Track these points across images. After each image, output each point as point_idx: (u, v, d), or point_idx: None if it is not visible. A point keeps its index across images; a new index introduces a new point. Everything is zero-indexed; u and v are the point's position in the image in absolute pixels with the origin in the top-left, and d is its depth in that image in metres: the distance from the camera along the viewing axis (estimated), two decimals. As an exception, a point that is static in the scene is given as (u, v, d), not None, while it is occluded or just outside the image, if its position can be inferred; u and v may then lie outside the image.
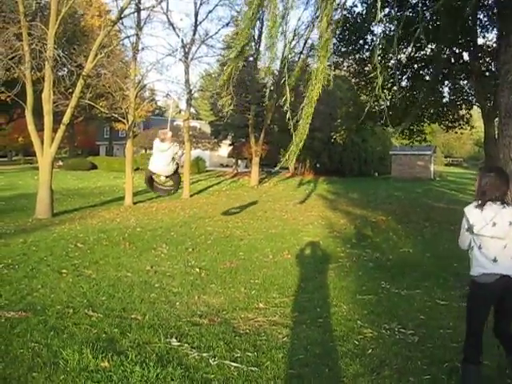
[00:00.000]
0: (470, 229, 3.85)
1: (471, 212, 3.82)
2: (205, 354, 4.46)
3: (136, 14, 20.21)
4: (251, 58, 36.53)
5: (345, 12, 16.49)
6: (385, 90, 19.06)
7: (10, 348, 4.52)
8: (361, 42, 17.36)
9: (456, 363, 4.36)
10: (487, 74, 16.90)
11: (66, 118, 16.34)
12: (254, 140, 31.90)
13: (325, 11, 9.34)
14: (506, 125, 6.62)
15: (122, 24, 21.76)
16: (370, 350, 4.70)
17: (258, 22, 32.55)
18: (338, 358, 4.53)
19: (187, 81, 24.33)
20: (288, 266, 8.64)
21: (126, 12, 18.01)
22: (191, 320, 5.54)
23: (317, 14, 15.93)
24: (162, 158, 8.84)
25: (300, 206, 19.59)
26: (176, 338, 4.86)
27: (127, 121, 20.61)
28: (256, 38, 33.37)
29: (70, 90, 17.20)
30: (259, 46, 33.21)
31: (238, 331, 5.17)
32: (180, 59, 23.92)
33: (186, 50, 23.98)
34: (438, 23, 15.39)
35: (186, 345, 4.70)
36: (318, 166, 40.01)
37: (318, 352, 4.64)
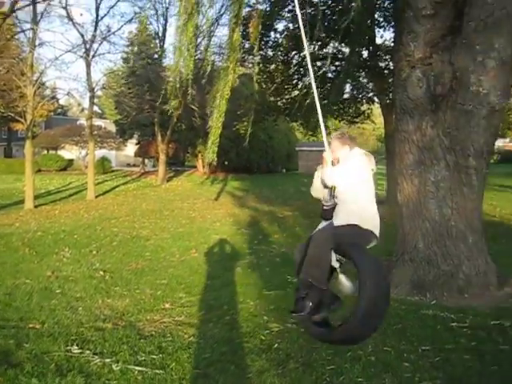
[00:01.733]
0: None
1: None
2: (107, 360, 4.30)
3: (31, 7, 19.26)
4: (156, 56, 36.06)
5: (249, 9, 16.63)
6: (288, 86, 19.44)
7: None
8: (264, 39, 17.49)
9: (359, 352, 4.49)
10: (385, 71, 17.59)
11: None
12: (161, 138, 31.48)
13: (233, 11, 9.37)
14: (401, 120, 6.90)
15: (17, 18, 20.65)
16: (276, 345, 4.73)
17: (162, 18, 32.14)
18: (245, 354, 4.53)
19: (89, 78, 23.55)
20: (195, 264, 8.57)
21: (20, 4, 17.14)
22: (94, 325, 5.33)
23: (221, 12, 15.98)
24: None
25: (208, 203, 19.53)
26: (77, 345, 4.65)
27: (25, 120, 19.63)
28: (160, 35, 32.96)
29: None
30: (163, 43, 32.82)
31: (142, 334, 5.04)
32: (81, 56, 23.11)
33: (87, 46, 23.18)
34: (338, 22, 15.82)
35: (87, 351, 4.51)
36: (226, 163, 40.09)
37: (224, 350, 4.61)
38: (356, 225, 3.45)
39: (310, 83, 17.00)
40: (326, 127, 20.86)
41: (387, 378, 4.00)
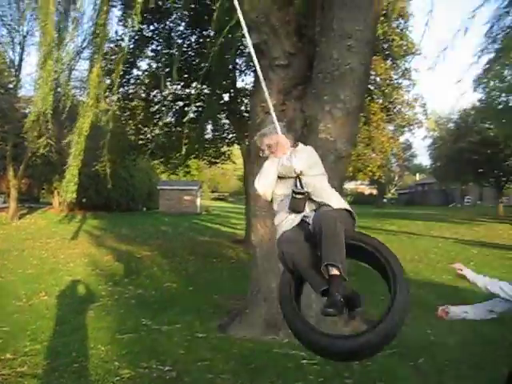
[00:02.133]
0: None
1: None
2: None
3: None
4: (10, 85, 34.18)
5: (112, 45, 16.46)
6: (150, 125, 19.39)
7: None
8: (127, 76, 17.35)
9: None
10: (245, 114, 18.19)
11: None
12: (13, 173, 29.61)
13: (95, 45, 9.20)
14: (254, 163, 7.12)
15: None
16: (125, 392, 4.56)
17: (18, 47, 30.72)
18: (92, 404, 4.31)
19: None
20: (44, 308, 8.06)
21: None
22: None
23: (82, 46, 15.62)
24: None
25: (63, 243, 18.56)
26: None
27: None
28: (16, 64, 31.37)
29: None
30: (19, 72, 31.24)
31: (-22, 388, 4.61)
32: None
33: None
34: (200, 64, 16.17)
35: None
36: (84, 201, 38.62)
37: (69, 401, 4.35)
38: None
39: (170, 122, 17.09)
40: (188, 167, 21.11)
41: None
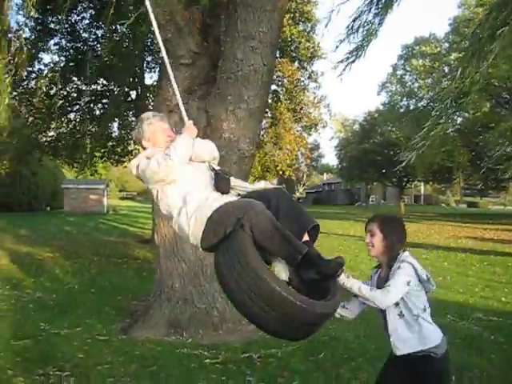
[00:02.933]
0: (424, 282, 2.96)
1: (417, 264, 2.97)
2: None
3: None
4: None
5: (10, 35, 15.66)
6: (53, 122, 18.65)
7: None
8: (27, 69, 16.59)
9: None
10: (153, 111, 17.95)
11: None
12: None
13: None
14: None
15: None
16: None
17: None
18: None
19: None
20: None
21: None
22: None
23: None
24: None
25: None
26: None
27: None
28: None
29: None
30: None
31: None
32: None
33: None
34: (106, 60, 15.79)
35: None
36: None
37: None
38: None
39: (76, 119, 16.54)
40: (95, 165, 20.54)
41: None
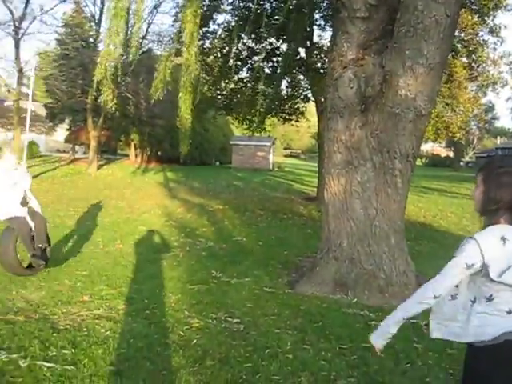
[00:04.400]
0: (482, 271, 2.24)
1: (489, 244, 2.21)
2: (15, 355, 4.07)
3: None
4: (91, 39, 34.98)
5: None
6: (226, 80, 19.33)
7: None
8: (203, 30, 17.26)
9: (277, 349, 4.49)
10: (321, 70, 17.80)
11: None
12: (93, 125, 30.56)
13: (189, 3, 9.19)
14: (331, 119, 6.96)
15: None
16: (194, 341, 4.65)
17: (99, 0, 31.20)
18: (162, 350, 4.42)
19: (17, 58, 22.52)
20: (119, 256, 8.35)
21: None
22: (5, 318, 5.04)
23: (160, 0, 15.63)
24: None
25: (138, 193, 19.15)
26: (-18, 340, 4.40)
27: None
28: (96, 18, 31.97)
29: None
30: (99, 27, 31.85)
31: (56, 327, 4.82)
32: (9, 33, 22.08)
33: (17, 24, 22.14)
34: (277, 18, 15.85)
35: (-6, 346, 4.27)
36: (159, 153, 39.50)
37: (140, 345, 4.48)
38: None
39: (246, 77, 16.99)
40: (263, 123, 21.02)
41: (303, 376, 4.00)
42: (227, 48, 17.84)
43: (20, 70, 22.62)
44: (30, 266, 6.87)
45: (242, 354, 4.37)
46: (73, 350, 4.26)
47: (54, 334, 4.62)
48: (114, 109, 15.03)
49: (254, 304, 5.98)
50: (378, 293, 6.48)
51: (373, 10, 6.64)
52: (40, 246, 6.87)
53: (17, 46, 22.20)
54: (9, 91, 24.51)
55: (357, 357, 4.40)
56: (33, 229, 6.87)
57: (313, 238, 10.58)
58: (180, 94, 9.66)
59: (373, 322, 5.37)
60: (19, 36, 22.04)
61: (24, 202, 6.83)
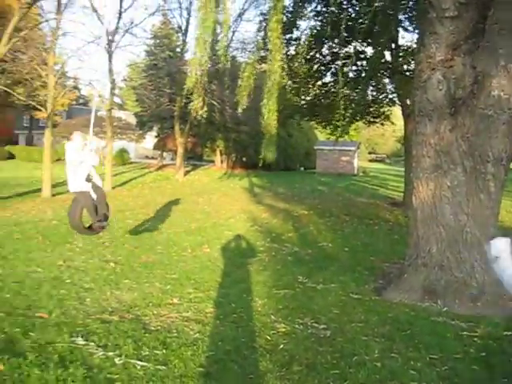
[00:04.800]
0: None
1: None
2: (111, 353, 4.27)
3: (57, -3, 19.36)
4: (178, 49, 36.09)
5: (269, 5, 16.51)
6: (309, 86, 19.34)
7: None
8: (287, 36, 17.36)
9: (364, 357, 4.42)
10: (407, 73, 17.43)
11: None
12: (180, 132, 31.50)
13: (274, 11, 9.34)
14: (419, 123, 6.78)
15: (41, 8, 20.78)
16: (281, 346, 4.67)
17: (185, 12, 32.14)
18: (249, 354, 4.47)
19: (110, 70, 23.64)
20: (206, 260, 8.55)
21: (45, -6, 17.18)
22: (101, 317, 5.32)
23: (244, 8, 15.90)
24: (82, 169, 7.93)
25: (224, 199, 19.51)
26: (82, 337, 4.63)
27: (46, 109, 19.74)
28: (183, 28, 32.93)
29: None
30: (186, 37, 32.79)
31: (148, 328, 5.01)
32: (103, 47, 23.20)
33: (110, 37, 23.25)
34: (362, 22, 15.69)
35: (91, 344, 4.49)
36: (244, 159, 40.07)
37: (228, 348, 4.56)
38: None
39: (330, 82, 16.90)
40: (347, 127, 20.83)
41: (392, 385, 3.93)
42: (311, 53, 17.85)
43: (112, 82, 23.69)
44: (89, 227, 8.40)
45: (329, 361, 4.34)
46: (164, 351, 4.41)
47: (146, 335, 4.80)
48: (203, 116, 15.49)
49: (341, 310, 5.92)
50: (469, 302, 6.22)
51: (462, 8, 6.41)
52: (104, 212, 8.15)
53: (109, 59, 23.27)
54: (102, 101, 25.72)
55: (448, 368, 4.25)
56: (95, 199, 8.02)
57: (399, 243, 10.34)
58: (264, 101, 9.76)
59: (464, 333, 5.18)
60: (112, 49, 23.08)
61: (88, 179, 7.88)
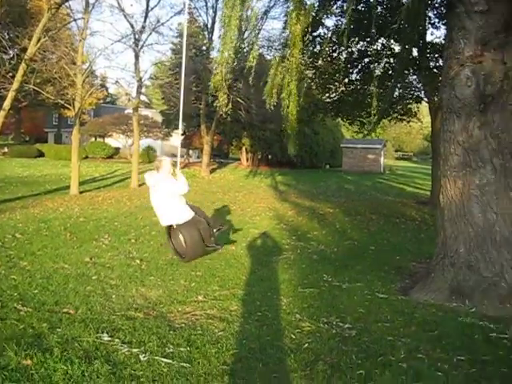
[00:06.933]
0: None
1: None
2: (135, 350, 4.30)
3: (84, -4, 19.60)
4: (204, 47, 36.21)
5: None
6: (336, 83, 19.20)
7: None
8: (313, 34, 17.22)
9: (390, 357, 4.37)
10: (435, 70, 17.19)
11: (6, 103, 15.64)
12: (206, 130, 31.62)
13: (294, 7, 9.28)
14: (447, 120, 6.67)
15: (69, 8, 21.03)
16: (306, 345, 4.63)
17: (211, 10, 32.21)
18: (274, 352, 4.45)
19: (137, 68, 23.82)
20: (231, 258, 8.55)
21: (73, -6, 17.39)
22: (126, 314, 5.35)
23: (270, 5, 15.79)
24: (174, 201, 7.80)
25: (249, 197, 19.52)
26: (107, 333, 4.67)
27: (74, 108, 19.97)
28: (209, 26, 33.02)
29: (12, 74, 16.55)
30: (212, 35, 32.88)
31: (173, 325, 5.03)
32: (130, 46, 23.38)
33: (136, 36, 23.43)
34: (388, 18, 15.50)
35: (116, 340, 4.52)
36: (269, 157, 40.04)
37: (253, 347, 4.55)
38: None
39: (356, 79, 16.77)
40: (376, 124, 20.61)
41: (419, 386, 3.87)
42: (337, 51, 17.71)
43: (139, 80, 23.87)
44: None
45: (354, 361, 4.29)
46: (188, 348, 4.41)
47: (171, 332, 4.81)
48: (228, 113, 15.50)
49: (366, 310, 5.86)
50: (498, 303, 6.10)
51: (492, 2, 6.28)
52: (216, 229, 8.36)
53: (136, 58, 23.45)
54: (129, 100, 25.92)
55: (476, 370, 4.17)
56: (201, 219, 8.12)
57: (426, 243, 10.21)
58: (283, 95, 9.70)
59: (493, 334, 5.08)
60: (139, 48, 23.26)
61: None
